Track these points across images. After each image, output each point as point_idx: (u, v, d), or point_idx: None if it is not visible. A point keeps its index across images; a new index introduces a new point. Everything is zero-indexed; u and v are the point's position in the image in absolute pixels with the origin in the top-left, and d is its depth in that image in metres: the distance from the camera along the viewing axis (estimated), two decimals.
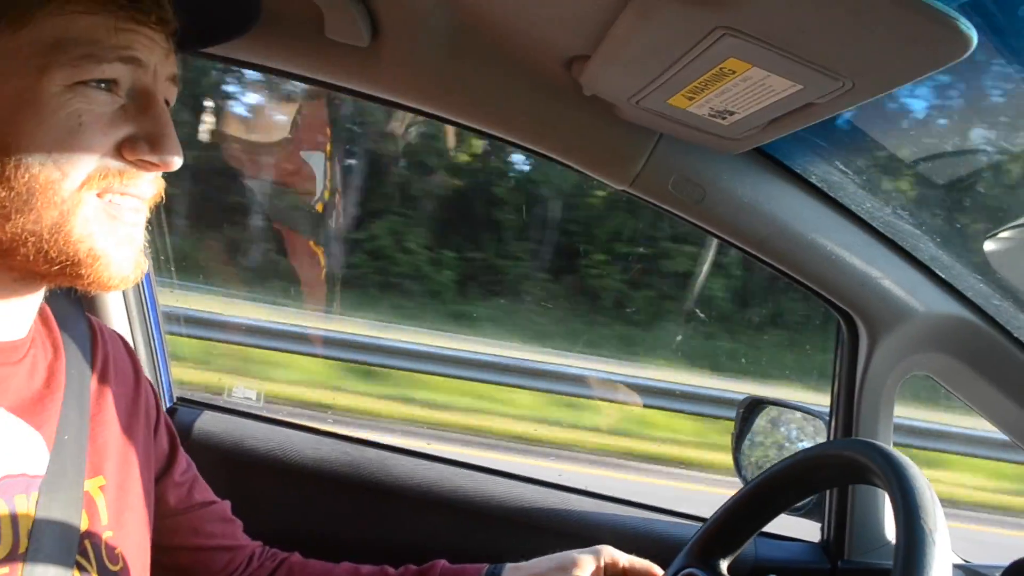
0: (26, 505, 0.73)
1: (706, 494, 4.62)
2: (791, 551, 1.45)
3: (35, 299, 0.77)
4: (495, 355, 5.49)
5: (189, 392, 1.65)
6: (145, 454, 0.92)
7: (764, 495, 1.00)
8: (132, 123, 0.70)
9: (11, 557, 0.70)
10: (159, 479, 0.96)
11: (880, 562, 1.39)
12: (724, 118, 0.90)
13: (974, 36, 0.62)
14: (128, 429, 0.89)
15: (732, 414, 1.56)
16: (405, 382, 5.35)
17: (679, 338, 6.36)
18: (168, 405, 1.58)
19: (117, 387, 0.90)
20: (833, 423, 1.41)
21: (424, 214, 7.01)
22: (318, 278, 5.66)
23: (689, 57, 0.76)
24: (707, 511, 1.10)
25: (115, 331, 0.97)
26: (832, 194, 1.16)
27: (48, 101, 0.65)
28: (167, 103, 0.76)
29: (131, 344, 0.99)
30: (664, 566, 1.11)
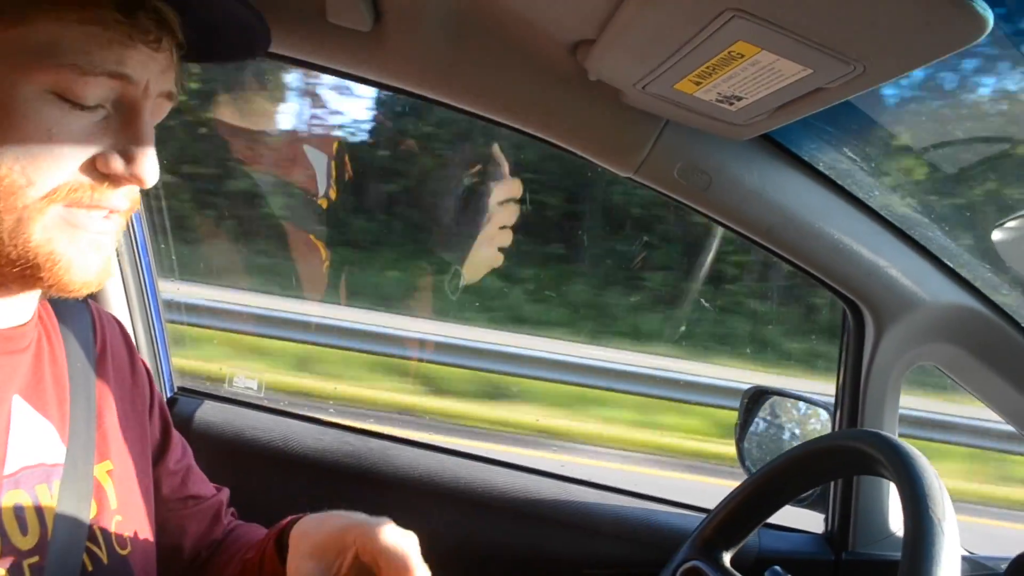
0: (48, 495, 0.73)
1: None
2: (795, 542, 1.44)
3: (32, 288, 0.76)
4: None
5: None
6: (144, 439, 0.91)
7: (769, 486, 1.00)
8: (111, 136, 0.68)
9: (39, 547, 0.70)
10: (154, 465, 0.95)
11: (884, 553, 1.39)
12: (732, 104, 0.88)
13: (990, 18, 0.61)
14: (128, 413, 0.89)
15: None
16: None
17: None
18: (169, 395, 1.58)
19: (116, 371, 0.90)
20: (838, 413, 1.40)
21: None
22: None
23: (697, 40, 0.75)
24: (718, 501, 1.09)
25: (111, 314, 0.96)
26: (840, 182, 1.15)
27: (21, 105, 0.63)
28: (166, 114, 0.74)
29: (128, 331, 0.98)
30: (667, 557, 1.10)
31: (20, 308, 0.75)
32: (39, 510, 0.71)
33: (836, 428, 1.41)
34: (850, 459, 0.88)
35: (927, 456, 0.81)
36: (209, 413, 1.50)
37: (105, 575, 0.77)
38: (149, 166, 0.70)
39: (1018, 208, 1.23)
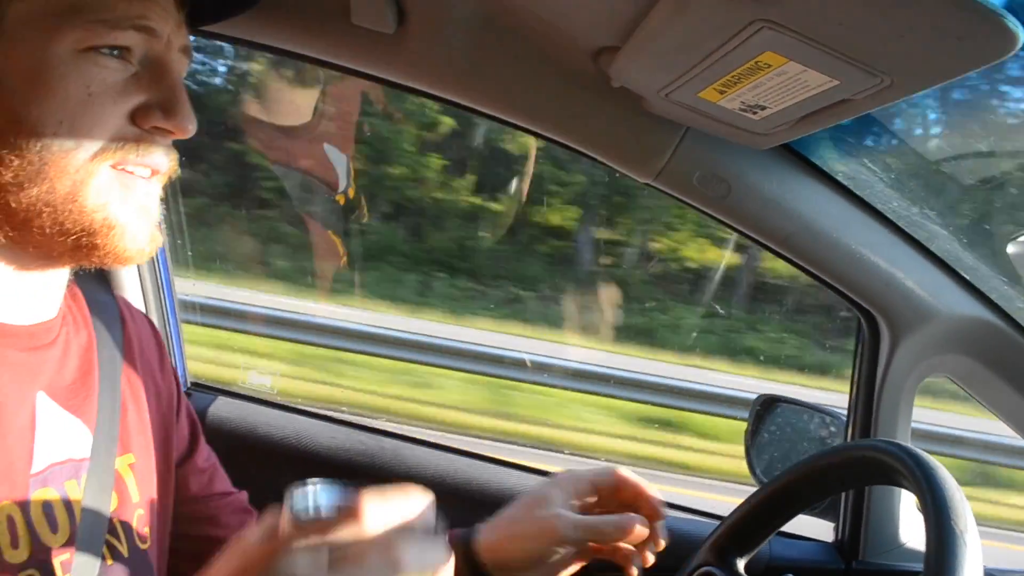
0: (77, 490, 0.73)
1: None
2: (805, 550, 1.44)
3: (61, 277, 0.76)
4: None
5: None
6: (168, 436, 0.92)
7: (786, 493, 1.00)
8: (145, 91, 0.69)
9: (70, 542, 0.71)
10: (181, 464, 0.96)
11: (895, 563, 1.39)
12: (755, 112, 0.89)
13: (1021, 35, 0.61)
14: (154, 409, 0.89)
15: None
16: None
17: None
18: (183, 390, 1.58)
19: (143, 367, 0.90)
20: (851, 423, 1.40)
21: None
22: None
23: (724, 50, 0.75)
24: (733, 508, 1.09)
25: (143, 313, 0.96)
26: (858, 192, 1.15)
27: (57, 67, 0.64)
28: (187, 69, 0.74)
29: (159, 331, 0.98)
30: (678, 564, 1.10)
31: (47, 303, 0.75)
32: (68, 506, 0.72)
33: (849, 438, 1.40)
34: (869, 469, 0.88)
35: None
36: (222, 409, 1.51)
37: (125, 568, 0.77)
38: (187, 115, 0.71)
39: None
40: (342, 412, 4.40)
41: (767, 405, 1.53)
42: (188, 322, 1.69)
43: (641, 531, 0.87)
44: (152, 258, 1.49)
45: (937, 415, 4.92)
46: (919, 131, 1.23)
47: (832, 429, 1.47)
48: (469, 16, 1.01)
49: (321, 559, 0.54)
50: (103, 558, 0.74)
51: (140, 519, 0.81)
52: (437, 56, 1.06)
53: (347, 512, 0.55)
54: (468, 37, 1.03)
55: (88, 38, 0.64)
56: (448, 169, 6.76)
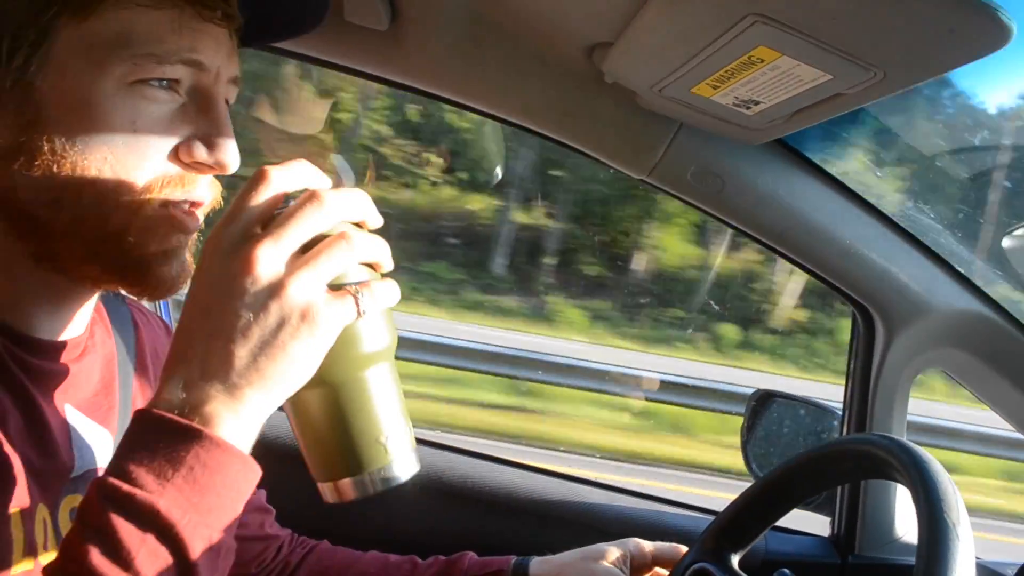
0: None
1: None
2: (801, 545, 1.44)
3: (93, 297, 0.75)
4: None
5: None
6: None
7: (779, 488, 1.00)
8: (191, 124, 0.67)
9: None
10: None
11: (890, 557, 1.39)
12: (749, 108, 0.89)
13: (1014, 28, 0.61)
14: None
15: None
16: None
17: None
18: None
19: (156, 373, 0.89)
20: (847, 417, 1.40)
21: None
22: None
23: (717, 45, 0.75)
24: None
25: (158, 316, 0.95)
26: (852, 187, 1.15)
27: (104, 101, 0.62)
28: (234, 99, 0.73)
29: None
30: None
31: (78, 320, 0.74)
32: None
33: (844, 432, 1.41)
34: (863, 463, 0.88)
35: None
36: None
37: None
38: (232, 152, 0.68)
39: None
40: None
41: (763, 400, 1.54)
42: None
43: None
44: None
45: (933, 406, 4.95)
46: (912, 125, 1.23)
47: (828, 424, 1.47)
48: (462, 12, 1.00)
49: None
50: None
51: None
52: (430, 53, 1.06)
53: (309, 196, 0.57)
54: (461, 33, 1.03)
55: (136, 72, 0.62)
56: None
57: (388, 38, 1.03)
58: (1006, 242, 1.26)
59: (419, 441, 1.47)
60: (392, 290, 0.61)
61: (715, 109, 0.92)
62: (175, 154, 0.66)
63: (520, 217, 7.48)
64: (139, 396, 0.84)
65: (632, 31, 0.83)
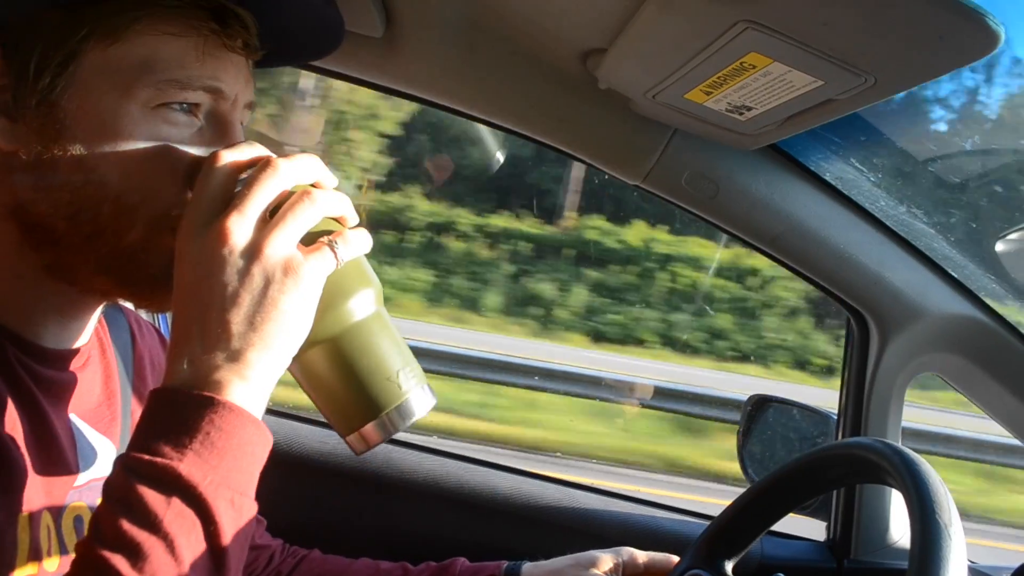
0: None
1: None
2: (797, 550, 1.44)
3: (98, 308, 0.76)
4: None
5: None
6: None
7: (773, 494, 1.00)
8: (207, 147, 0.68)
9: None
10: None
11: (886, 562, 1.39)
12: (742, 114, 0.89)
13: (1002, 33, 0.61)
14: None
15: None
16: None
17: None
18: None
19: (154, 382, 0.89)
20: (842, 422, 1.40)
21: None
22: None
23: (709, 51, 0.75)
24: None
25: (149, 322, 0.95)
26: (846, 191, 1.16)
27: (127, 124, 0.63)
28: (248, 124, 0.74)
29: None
30: None
31: (83, 329, 0.75)
32: None
33: (839, 437, 1.41)
34: (855, 467, 0.89)
35: None
36: None
37: None
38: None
39: (1021, 220, 1.24)
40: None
41: (759, 405, 1.54)
42: None
43: None
44: None
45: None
46: (906, 129, 1.23)
47: (823, 429, 1.47)
48: (457, 19, 1.01)
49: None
50: None
51: None
52: (425, 59, 1.06)
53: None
54: (456, 40, 1.04)
55: (160, 96, 0.64)
56: None
57: (383, 45, 1.04)
58: (999, 246, 1.27)
59: (412, 446, 1.48)
60: (364, 237, 0.63)
61: (708, 115, 0.93)
62: (191, 175, 0.67)
63: None
64: (137, 407, 0.84)
65: (625, 38, 0.83)
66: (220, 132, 0.68)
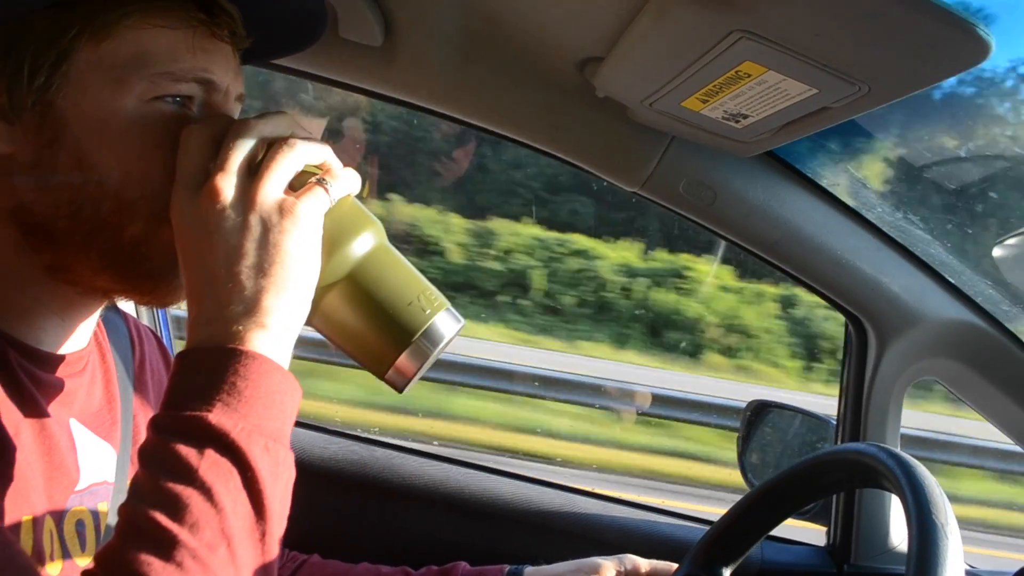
0: (107, 510, 0.75)
1: None
2: (796, 554, 1.44)
3: (97, 310, 0.76)
4: None
5: None
6: None
7: (771, 499, 1.00)
8: None
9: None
10: None
11: (886, 567, 1.39)
12: (738, 121, 0.90)
13: (992, 42, 0.62)
14: None
15: None
16: None
17: None
18: None
19: (155, 388, 0.90)
20: (841, 427, 1.41)
21: None
22: None
23: (705, 60, 0.76)
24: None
25: (148, 328, 0.95)
26: (842, 198, 1.16)
27: (123, 119, 0.64)
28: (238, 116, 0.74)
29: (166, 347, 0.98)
30: None
31: (82, 333, 0.75)
32: (97, 526, 0.73)
33: (838, 442, 1.41)
34: (852, 472, 0.89)
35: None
36: None
37: None
38: None
39: (1019, 225, 1.24)
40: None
41: (758, 411, 1.54)
42: (181, 338, 1.69)
43: None
44: None
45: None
46: (902, 136, 1.24)
47: (823, 434, 1.48)
48: (456, 28, 1.02)
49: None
50: None
51: None
52: (424, 68, 1.07)
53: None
54: (455, 49, 1.05)
55: (153, 90, 0.64)
56: None
57: (382, 54, 1.05)
58: (996, 251, 1.27)
59: (415, 452, 1.49)
60: (352, 175, 0.65)
61: (705, 123, 0.93)
62: None
63: None
64: (139, 411, 0.84)
65: (622, 46, 0.84)
66: None
